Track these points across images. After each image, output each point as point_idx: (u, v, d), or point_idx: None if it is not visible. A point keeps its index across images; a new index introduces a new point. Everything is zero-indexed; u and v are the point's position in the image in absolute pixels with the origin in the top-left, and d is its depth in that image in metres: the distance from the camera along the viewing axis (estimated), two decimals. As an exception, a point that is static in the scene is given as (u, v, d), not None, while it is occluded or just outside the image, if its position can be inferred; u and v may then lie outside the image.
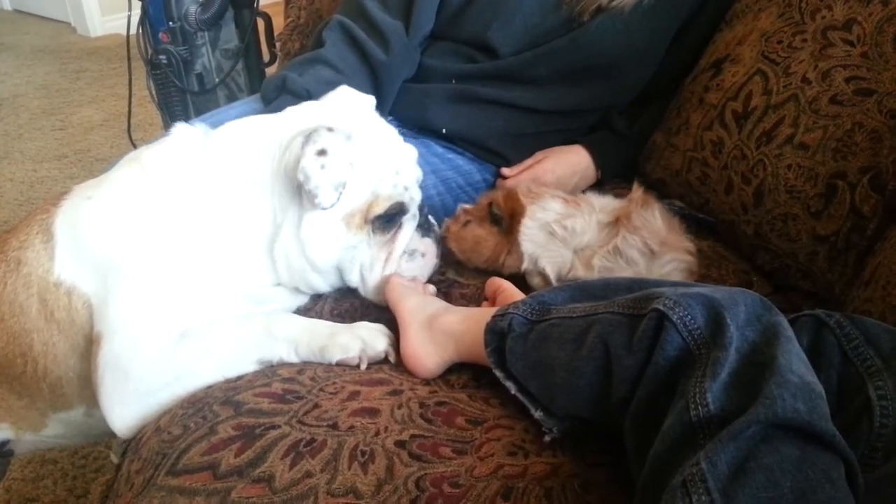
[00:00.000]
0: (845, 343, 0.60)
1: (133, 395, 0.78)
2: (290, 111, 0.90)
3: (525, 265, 0.92)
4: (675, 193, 1.17)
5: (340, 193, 0.80)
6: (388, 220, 0.87)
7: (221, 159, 0.85)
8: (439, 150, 1.22)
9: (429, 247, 0.93)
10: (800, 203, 0.95)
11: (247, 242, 0.85)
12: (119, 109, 2.97)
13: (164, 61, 1.77)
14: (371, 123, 0.91)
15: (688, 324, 0.55)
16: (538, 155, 1.22)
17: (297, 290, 0.90)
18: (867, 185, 0.89)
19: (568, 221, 0.91)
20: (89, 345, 0.82)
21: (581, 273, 0.89)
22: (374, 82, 1.13)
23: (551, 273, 0.92)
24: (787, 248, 0.98)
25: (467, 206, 0.98)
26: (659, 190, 1.21)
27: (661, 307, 0.57)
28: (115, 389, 0.78)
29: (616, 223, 0.89)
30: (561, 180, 1.18)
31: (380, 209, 0.85)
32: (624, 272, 0.87)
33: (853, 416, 0.57)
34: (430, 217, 0.96)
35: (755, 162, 1.01)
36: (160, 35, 1.85)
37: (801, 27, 1.02)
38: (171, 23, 1.81)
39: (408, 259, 0.90)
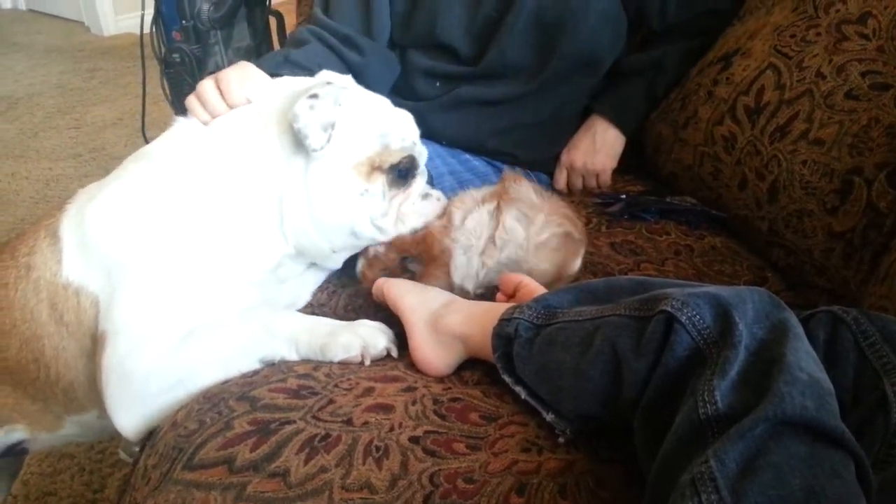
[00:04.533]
0: (862, 340, 0.59)
1: (137, 397, 0.79)
2: (293, 83, 0.91)
3: (456, 292, 0.91)
4: (686, 188, 1.17)
5: (330, 135, 0.80)
6: (403, 174, 0.89)
7: (233, 133, 0.86)
8: (455, 151, 1.22)
9: (438, 192, 0.98)
10: (815, 199, 0.94)
11: (258, 209, 0.85)
12: (133, 108, 2.99)
13: (178, 60, 1.78)
14: (365, 91, 0.93)
15: (696, 324, 0.55)
16: (562, 156, 1.24)
17: (307, 265, 0.92)
18: (884, 182, 0.88)
19: (469, 223, 0.91)
20: (96, 346, 0.82)
21: (490, 260, 0.90)
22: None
23: (470, 288, 0.92)
24: (803, 244, 0.97)
25: (380, 249, 0.93)
26: (671, 185, 1.21)
27: (669, 308, 0.57)
28: (119, 392, 0.79)
29: (498, 207, 0.92)
30: (601, 150, 1.21)
31: (394, 159, 0.87)
32: (510, 245, 0.89)
33: (869, 412, 0.57)
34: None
35: (769, 158, 1.00)
36: (173, 34, 1.86)
37: (815, 21, 1.01)
38: (183, 21, 1.82)
39: (422, 199, 0.93)
